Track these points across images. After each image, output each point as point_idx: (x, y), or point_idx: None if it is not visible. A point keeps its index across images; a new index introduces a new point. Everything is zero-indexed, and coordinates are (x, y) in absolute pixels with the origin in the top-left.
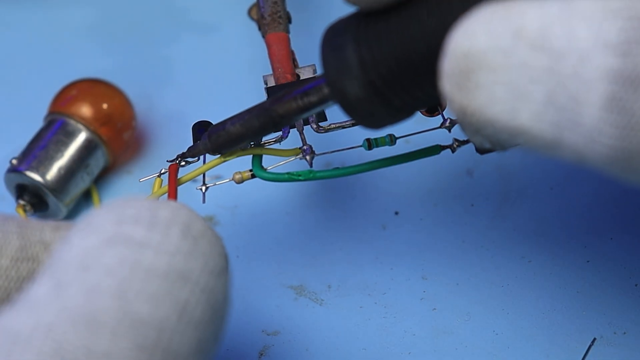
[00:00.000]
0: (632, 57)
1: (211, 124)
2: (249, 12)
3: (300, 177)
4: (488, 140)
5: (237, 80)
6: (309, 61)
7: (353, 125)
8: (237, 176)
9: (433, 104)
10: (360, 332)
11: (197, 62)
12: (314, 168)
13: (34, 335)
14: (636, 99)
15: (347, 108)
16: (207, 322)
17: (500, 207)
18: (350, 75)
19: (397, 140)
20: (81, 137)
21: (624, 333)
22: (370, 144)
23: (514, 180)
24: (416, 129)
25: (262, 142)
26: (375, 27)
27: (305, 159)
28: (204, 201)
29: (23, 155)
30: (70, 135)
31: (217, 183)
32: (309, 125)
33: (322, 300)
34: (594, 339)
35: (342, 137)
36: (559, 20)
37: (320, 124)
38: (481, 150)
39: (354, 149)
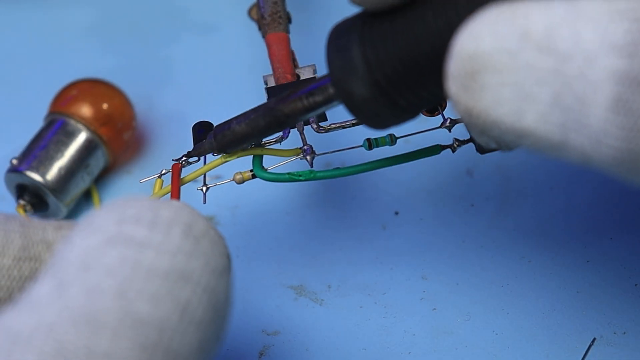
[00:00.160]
0: (638, 58)
1: (211, 124)
2: (249, 12)
3: (300, 177)
4: (494, 141)
5: (237, 81)
6: (309, 61)
7: (353, 125)
8: (238, 176)
9: (438, 104)
10: (360, 332)
11: (197, 62)
12: (315, 168)
13: (35, 335)
14: None
15: (352, 108)
16: (208, 322)
17: (501, 207)
18: (356, 75)
19: (397, 140)
20: (81, 137)
21: (624, 333)
22: (370, 144)
23: (514, 180)
24: (416, 128)
25: (263, 143)
26: (380, 28)
27: (306, 159)
28: (204, 201)
29: (23, 155)
30: (71, 135)
31: (217, 183)
32: (309, 126)
33: (322, 300)
34: (594, 339)
35: (342, 137)
36: (565, 22)
37: (320, 124)
38: (481, 150)
39: (354, 149)
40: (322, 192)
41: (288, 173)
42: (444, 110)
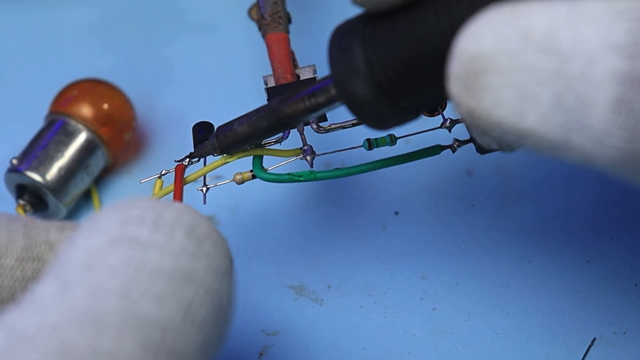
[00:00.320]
0: (639, 58)
1: (212, 124)
2: (249, 12)
3: (301, 178)
4: (495, 142)
5: (237, 81)
6: (309, 61)
7: (353, 125)
8: (238, 177)
9: (440, 105)
10: (360, 332)
11: (197, 62)
12: (315, 168)
13: (39, 335)
14: None
15: (354, 109)
16: (211, 323)
17: (501, 207)
18: (358, 76)
19: (398, 141)
20: (81, 138)
21: (624, 333)
22: (370, 144)
23: (514, 180)
24: (416, 129)
25: (263, 143)
26: (382, 29)
27: (306, 160)
28: (204, 202)
29: (23, 155)
30: (71, 135)
31: (217, 184)
32: (309, 126)
33: (322, 300)
34: (594, 338)
35: (342, 138)
36: (566, 23)
37: (320, 124)
38: (481, 150)
39: (354, 149)
40: (322, 192)
41: (288, 173)
42: (444, 110)
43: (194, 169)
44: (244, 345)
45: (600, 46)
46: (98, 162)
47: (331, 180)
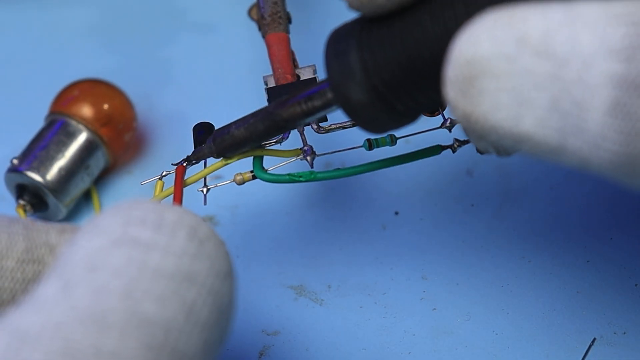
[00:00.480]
0: (636, 62)
1: (212, 125)
2: (249, 12)
3: (301, 178)
4: (492, 146)
5: (237, 81)
6: (309, 61)
7: (353, 125)
8: (238, 177)
9: (436, 109)
10: (360, 332)
11: (197, 63)
12: (315, 169)
13: (42, 334)
14: None
15: (350, 113)
16: (213, 324)
17: (500, 207)
18: (354, 80)
19: (398, 141)
20: (82, 138)
21: (624, 333)
22: (370, 144)
23: (514, 180)
24: (416, 129)
25: (263, 143)
26: (378, 32)
27: (306, 160)
28: (205, 203)
29: (23, 155)
30: (71, 135)
31: (218, 184)
32: (310, 126)
33: (322, 300)
34: (594, 339)
35: (342, 138)
36: (563, 27)
37: (320, 124)
38: (482, 151)
39: (354, 150)
40: (322, 193)
41: (288, 174)
42: (444, 110)
43: (195, 171)
44: (244, 345)
45: (596, 50)
46: (98, 162)
47: (331, 181)
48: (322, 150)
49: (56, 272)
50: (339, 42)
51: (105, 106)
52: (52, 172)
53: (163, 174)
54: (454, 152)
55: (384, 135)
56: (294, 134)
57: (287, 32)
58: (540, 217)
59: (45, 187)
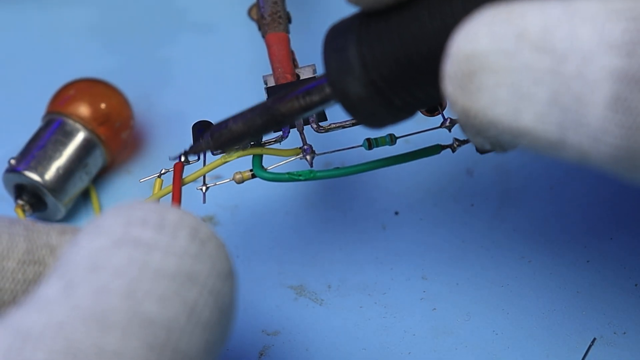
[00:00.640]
0: (636, 57)
1: (211, 124)
2: (249, 12)
3: (300, 177)
4: (489, 142)
5: (237, 81)
6: (309, 61)
7: (353, 124)
8: (238, 176)
9: (434, 104)
10: (360, 332)
11: (196, 62)
12: (314, 168)
13: (45, 334)
14: None
15: (348, 108)
16: (214, 324)
17: (500, 206)
18: (352, 75)
19: (397, 140)
20: (79, 137)
21: (624, 333)
22: (370, 143)
23: (513, 179)
24: (416, 128)
25: (263, 142)
26: (376, 27)
27: (306, 159)
28: (204, 201)
29: (21, 155)
30: (69, 135)
31: (217, 183)
32: (309, 125)
33: (322, 300)
34: (594, 339)
35: (342, 137)
36: (562, 22)
37: (320, 123)
38: (482, 150)
39: (354, 149)
40: (322, 192)
41: (288, 173)
42: (444, 110)
43: (194, 169)
44: (244, 345)
45: (596, 45)
46: (96, 161)
47: (331, 180)
48: (321, 150)
49: (58, 272)
50: (337, 37)
51: (102, 105)
52: (51, 172)
53: (162, 172)
54: (453, 151)
55: (384, 133)
56: (294, 133)
57: (287, 31)
58: (540, 217)
59: (43, 187)
